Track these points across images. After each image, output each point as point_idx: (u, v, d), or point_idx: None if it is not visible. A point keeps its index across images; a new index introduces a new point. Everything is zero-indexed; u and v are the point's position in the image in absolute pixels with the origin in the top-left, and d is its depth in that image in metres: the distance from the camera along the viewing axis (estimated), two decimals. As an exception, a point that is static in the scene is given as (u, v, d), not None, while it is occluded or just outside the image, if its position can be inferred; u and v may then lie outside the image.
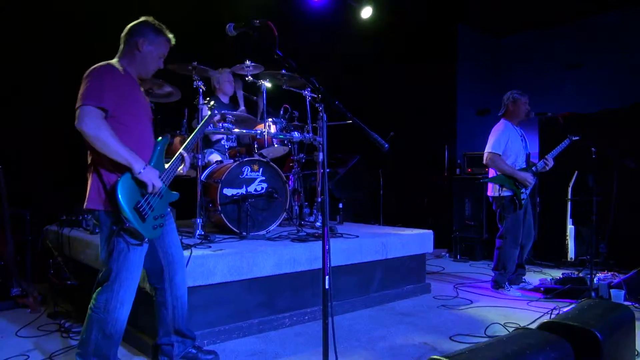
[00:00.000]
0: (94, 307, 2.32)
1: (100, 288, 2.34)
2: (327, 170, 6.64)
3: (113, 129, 2.23)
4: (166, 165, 2.53)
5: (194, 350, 2.71)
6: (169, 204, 2.54)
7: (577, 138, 4.41)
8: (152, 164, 2.38)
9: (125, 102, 2.33)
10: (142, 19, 2.52)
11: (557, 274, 4.78)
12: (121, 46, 2.49)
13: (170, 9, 5.03)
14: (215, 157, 4.52)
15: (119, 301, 2.32)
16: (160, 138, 2.53)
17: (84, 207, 2.33)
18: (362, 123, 2.00)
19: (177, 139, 4.12)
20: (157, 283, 2.57)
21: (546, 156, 4.48)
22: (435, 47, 7.46)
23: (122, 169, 2.26)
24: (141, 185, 2.30)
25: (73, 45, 4.64)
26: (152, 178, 2.31)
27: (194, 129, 3.85)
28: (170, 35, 2.56)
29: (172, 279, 2.58)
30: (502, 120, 4.58)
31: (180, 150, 2.62)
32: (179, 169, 2.60)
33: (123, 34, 2.50)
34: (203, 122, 3.01)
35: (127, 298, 2.35)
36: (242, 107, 4.88)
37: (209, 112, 3.32)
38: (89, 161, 2.36)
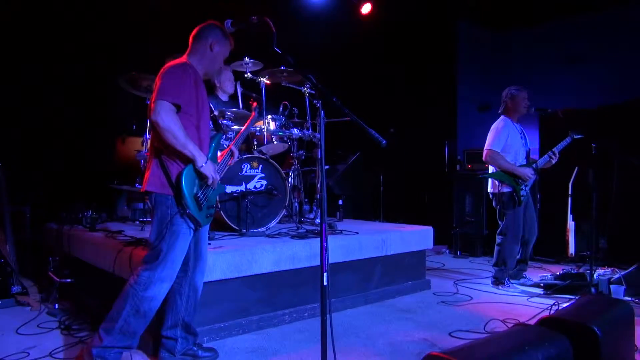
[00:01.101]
0: (134, 282, 2.41)
1: (145, 265, 2.45)
2: (327, 167, 6.62)
3: (182, 123, 2.40)
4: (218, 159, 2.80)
5: (194, 348, 2.74)
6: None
7: (580, 137, 4.37)
8: (209, 157, 2.57)
9: (195, 99, 2.51)
10: (211, 22, 2.68)
11: (558, 269, 4.78)
12: (192, 45, 2.64)
13: (170, 5, 5.05)
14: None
15: (160, 279, 2.43)
16: (215, 134, 2.78)
17: (143, 189, 2.49)
18: (359, 119, 2.00)
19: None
20: (181, 271, 2.62)
21: (553, 149, 4.44)
22: (436, 43, 7.44)
23: (184, 159, 2.45)
24: (200, 177, 2.49)
25: (71, 45, 4.64)
26: (212, 172, 2.52)
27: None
28: (231, 39, 2.73)
29: (195, 271, 2.70)
30: (501, 117, 4.57)
31: (231, 146, 2.95)
32: (228, 163, 2.91)
33: (194, 34, 2.65)
34: (249, 121, 3.32)
35: (168, 278, 2.47)
36: (241, 105, 4.87)
37: (253, 113, 3.56)
38: (152, 149, 2.53)
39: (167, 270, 2.46)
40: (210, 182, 2.53)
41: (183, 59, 2.59)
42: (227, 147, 4.68)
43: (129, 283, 2.43)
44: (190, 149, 2.41)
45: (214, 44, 2.63)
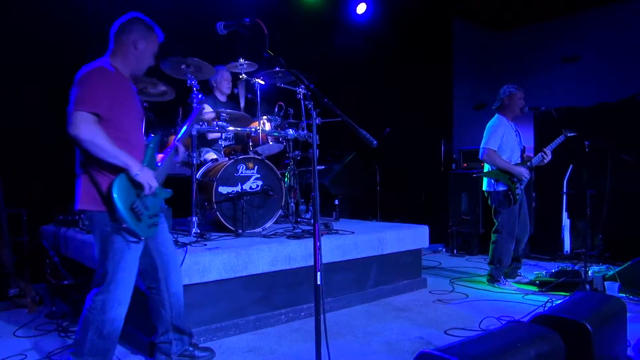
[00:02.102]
0: (90, 308, 2.31)
1: (96, 289, 2.33)
2: (323, 167, 6.63)
3: (106, 132, 2.22)
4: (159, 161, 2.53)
5: (190, 348, 2.73)
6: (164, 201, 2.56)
7: (573, 134, 4.40)
8: (145, 164, 2.37)
9: (118, 105, 2.32)
10: (132, 15, 2.45)
11: (553, 267, 4.81)
12: (112, 44, 2.43)
13: (165, 7, 5.05)
14: (210, 155, 4.53)
15: (116, 301, 2.32)
16: (151, 137, 2.53)
17: (75, 208, 2.33)
18: (353, 119, 2.01)
19: (172, 138, 4.11)
20: (153, 282, 2.58)
21: (544, 149, 4.47)
22: (431, 42, 7.46)
23: (114, 170, 2.25)
24: (136, 185, 2.29)
25: (68, 45, 4.64)
26: (148, 179, 2.31)
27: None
28: (159, 31, 2.53)
29: (168, 278, 2.60)
30: (497, 116, 4.59)
31: (174, 141, 2.67)
32: (174, 161, 2.66)
33: (114, 31, 2.43)
34: (194, 115, 3.03)
35: (124, 298, 2.35)
36: (242, 106, 4.89)
37: (203, 107, 3.37)
38: (79, 163, 2.34)
39: (120, 291, 2.33)
40: (147, 191, 2.31)
41: (101, 61, 2.38)
42: (225, 146, 4.77)
43: (85, 308, 2.32)
44: (122, 158, 2.22)
45: (137, 41, 2.41)
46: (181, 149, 2.70)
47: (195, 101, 3.67)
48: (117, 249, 2.30)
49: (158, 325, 2.64)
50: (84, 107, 2.18)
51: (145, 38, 2.44)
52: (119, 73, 2.40)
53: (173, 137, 4.05)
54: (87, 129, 2.17)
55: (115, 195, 2.20)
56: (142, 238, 2.35)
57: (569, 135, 4.42)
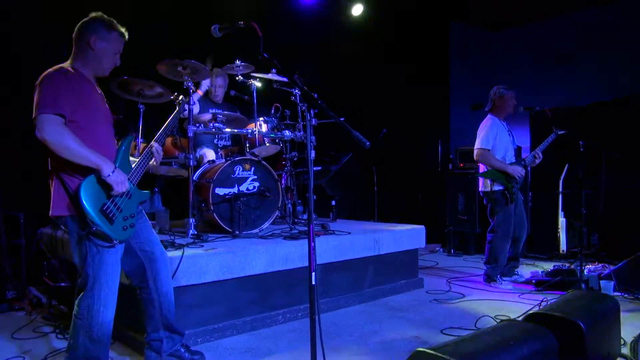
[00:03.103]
0: (77, 314, 2.31)
1: (81, 294, 2.32)
2: (320, 168, 6.62)
3: (73, 133, 2.19)
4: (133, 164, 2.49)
5: (182, 349, 2.69)
6: (152, 205, 2.53)
7: (563, 132, 4.45)
8: (117, 165, 2.32)
9: (82, 106, 2.27)
10: (91, 15, 2.41)
11: (549, 266, 4.83)
12: (73, 47, 2.40)
13: (163, 10, 5.06)
14: (208, 155, 4.53)
15: (102, 304, 2.30)
16: (125, 138, 2.49)
17: (50, 214, 2.29)
18: (349, 120, 2.03)
19: (168, 140, 4.14)
20: (142, 282, 2.58)
21: (535, 150, 4.53)
22: (428, 42, 7.48)
23: (85, 172, 2.22)
24: (107, 187, 2.25)
25: (63, 45, 4.65)
26: (120, 181, 2.26)
27: (185, 130, 3.89)
28: (123, 30, 2.47)
29: (156, 277, 2.58)
30: (489, 116, 4.62)
31: (152, 142, 2.61)
32: (150, 163, 2.57)
33: (74, 34, 2.40)
34: (173, 114, 2.95)
35: (109, 300, 2.33)
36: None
37: (184, 108, 3.29)
38: (50, 168, 2.31)
39: (104, 293, 2.30)
40: (115, 192, 2.25)
41: (61, 64, 2.33)
42: (222, 147, 4.79)
43: (73, 314, 2.32)
44: (93, 158, 2.18)
45: (95, 41, 2.36)
46: (158, 151, 2.63)
47: (192, 100, 3.68)
48: (95, 253, 2.27)
49: (148, 324, 2.63)
50: (48, 109, 2.14)
51: (103, 38, 2.39)
52: (80, 74, 2.35)
53: (170, 138, 4.08)
54: (52, 130, 2.13)
55: (83, 198, 2.15)
56: (116, 241, 2.29)
57: (559, 133, 4.47)
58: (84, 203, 2.16)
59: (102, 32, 2.39)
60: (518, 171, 4.43)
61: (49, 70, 2.27)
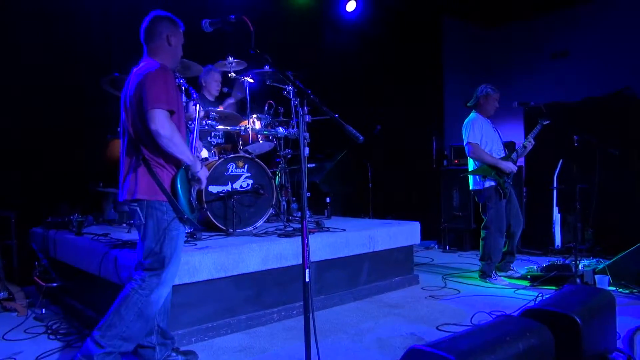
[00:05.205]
0: (140, 288, 2.39)
1: (150, 272, 2.42)
2: (314, 165, 6.60)
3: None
4: None
5: (173, 354, 2.66)
6: None
7: (548, 122, 4.49)
8: None
9: (177, 103, 2.45)
10: (155, 13, 2.54)
11: (544, 261, 4.83)
12: (148, 45, 2.52)
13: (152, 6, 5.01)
14: (203, 151, 4.50)
15: (166, 283, 2.47)
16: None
17: (131, 197, 2.38)
18: (343, 116, 2.00)
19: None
20: None
21: (528, 136, 4.57)
22: (421, 39, 7.48)
23: (175, 165, 2.44)
24: (191, 180, 2.49)
25: (56, 46, 4.61)
26: (205, 176, 2.55)
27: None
28: (181, 22, 2.60)
29: None
30: (472, 112, 4.66)
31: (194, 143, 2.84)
32: None
33: (146, 33, 2.52)
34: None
35: (170, 281, 2.51)
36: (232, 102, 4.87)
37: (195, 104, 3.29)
38: (139, 156, 2.40)
39: (171, 274, 2.49)
40: (203, 186, 2.57)
41: (151, 61, 2.46)
42: (215, 145, 4.75)
43: (132, 289, 2.40)
44: (189, 155, 2.42)
45: (170, 37, 2.52)
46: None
47: (192, 98, 3.65)
48: (174, 236, 2.45)
49: None
50: (163, 105, 2.30)
51: (174, 33, 2.54)
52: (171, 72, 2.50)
53: None
54: (167, 126, 2.30)
55: (179, 188, 2.39)
56: (190, 227, 2.55)
57: (544, 123, 4.53)
58: (181, 193, 2.39)
59: (172, 28, 2.54)
60: (509, 166, 4.44)
61: (156, 67, 2.37)
